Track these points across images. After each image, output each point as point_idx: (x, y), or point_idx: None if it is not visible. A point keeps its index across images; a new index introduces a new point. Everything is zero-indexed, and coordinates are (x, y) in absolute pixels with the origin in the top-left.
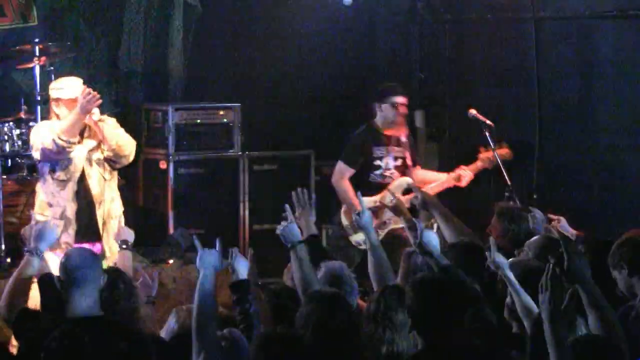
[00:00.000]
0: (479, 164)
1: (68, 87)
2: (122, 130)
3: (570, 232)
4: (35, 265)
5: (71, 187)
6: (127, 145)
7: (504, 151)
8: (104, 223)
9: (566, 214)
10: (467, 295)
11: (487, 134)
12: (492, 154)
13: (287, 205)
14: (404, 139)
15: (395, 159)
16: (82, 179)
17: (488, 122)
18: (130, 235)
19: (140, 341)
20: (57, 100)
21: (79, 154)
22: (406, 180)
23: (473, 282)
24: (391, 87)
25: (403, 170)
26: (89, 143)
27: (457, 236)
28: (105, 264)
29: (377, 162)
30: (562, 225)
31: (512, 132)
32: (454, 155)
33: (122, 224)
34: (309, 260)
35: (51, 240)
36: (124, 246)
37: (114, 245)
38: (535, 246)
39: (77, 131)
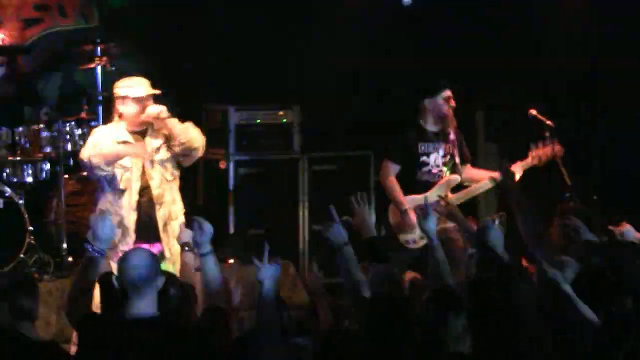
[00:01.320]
0: (528, 161)
1: (137, 86)
2: (189, 123)
3: (637, 237)
4: (97, 263)
5: (129, 196)
6: (197, 138)
7: (555, 148)
8: (165, 224)
9: (628, 216)
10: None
11: (547, 134)
12: (543, 151)
13: (330, 207)
14: (452, 135)
15: (444, 155)
16: (144, 179)
17: (548, 122)
18: (190, 237)
19: (195, 342)
20: (124, 97)
21: (135, 164)
22: (455, 178)
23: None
24: (439, 82)
25: (452, 167)
26: (153, 142)
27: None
28: (165, 265)
29: (424, 159)
30: (627, 232)
31: (572, 133)
32: (514, 155)
33: (184, 226)
34: (356, 262)
35: (107, 237)
36: (186, 248)
37: (174, 247)
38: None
39: (116, 161)
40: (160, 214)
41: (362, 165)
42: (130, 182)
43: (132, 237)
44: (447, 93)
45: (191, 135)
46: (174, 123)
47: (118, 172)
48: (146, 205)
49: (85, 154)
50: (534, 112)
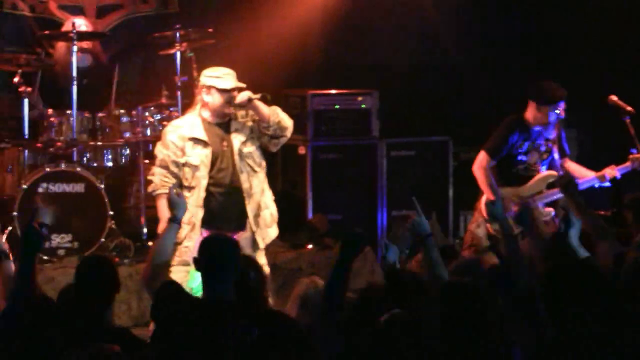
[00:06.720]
0: (628, 164)
1: (224, 77)
2: (275, 107)
3: None
4: (175, 231)
5: (197, 193)
6: (287, 118)
7: None
8: (255, 215)
9: None
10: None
11: (627, 120)
12: None
13: (414, 198)
14: (554, 133)
15: (543, 152)
16: (234, 173)
17: (628, 108)
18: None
19: (270, 327)
20: (210, 87)
21: (202, 161)
22: (552, 174)
23: None
24: (558, 93)
25: (550, 163)
26: (239, 137)
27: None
28: (258, 256)
29: (522, 157)
30: None
31: None
32: (593, 141)
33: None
34: (438, 252)
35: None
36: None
37: (267, 237)
38: None
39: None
40: (250, 207)
41: (440, 151)
42: (199, 179)
43: (198, 233)
44: (562, 105)
45: (281, 115)
46: (263, 106)
47: (188, 171)
48: (237, 199)
49: (157, 154)
50: (614, 98)
